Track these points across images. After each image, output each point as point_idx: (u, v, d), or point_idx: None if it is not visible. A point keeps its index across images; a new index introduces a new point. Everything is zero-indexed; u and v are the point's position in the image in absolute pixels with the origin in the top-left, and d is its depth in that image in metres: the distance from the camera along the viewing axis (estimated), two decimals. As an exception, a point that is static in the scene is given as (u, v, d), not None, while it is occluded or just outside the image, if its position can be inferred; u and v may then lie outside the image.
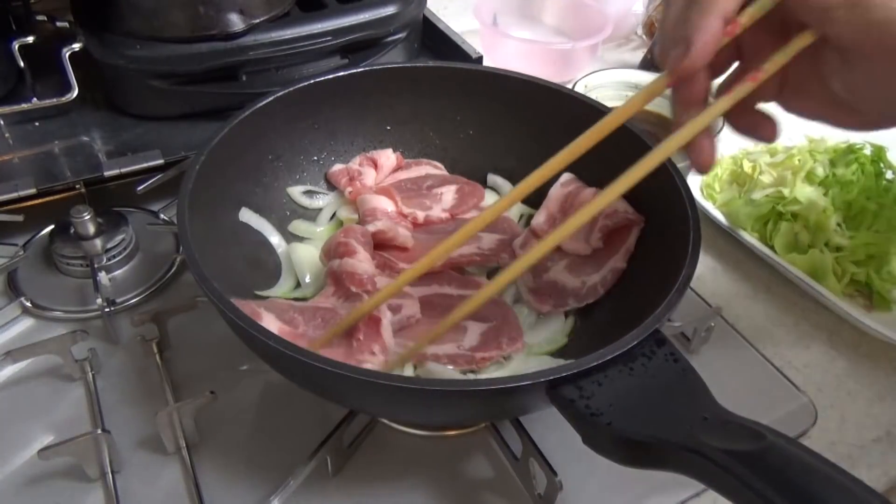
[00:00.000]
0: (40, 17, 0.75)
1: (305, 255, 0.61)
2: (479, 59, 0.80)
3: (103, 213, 0.64)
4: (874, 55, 0.39)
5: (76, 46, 0.68)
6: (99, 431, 0.48)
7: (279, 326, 0.50)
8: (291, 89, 0.61)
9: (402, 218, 0.64)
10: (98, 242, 0.62)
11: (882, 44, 0.38)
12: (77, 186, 0.66)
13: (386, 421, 0.54)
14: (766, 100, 0.47)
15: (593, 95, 0.76)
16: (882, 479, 0.55)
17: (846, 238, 0.68)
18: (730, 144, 0.80)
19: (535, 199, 0.66)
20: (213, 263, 0.48)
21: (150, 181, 0.66)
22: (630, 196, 0.59)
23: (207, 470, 0.50)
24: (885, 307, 0.66)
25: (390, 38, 0.78)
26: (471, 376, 0.52)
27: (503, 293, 0.60)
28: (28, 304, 0.61)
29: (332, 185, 0.67)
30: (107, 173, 0.65)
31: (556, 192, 0.64)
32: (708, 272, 0.71)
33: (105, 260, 0.63)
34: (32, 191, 0.63)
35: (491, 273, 0.63)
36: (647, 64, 0.95)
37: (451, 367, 0.52)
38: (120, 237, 0.64)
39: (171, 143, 0.69)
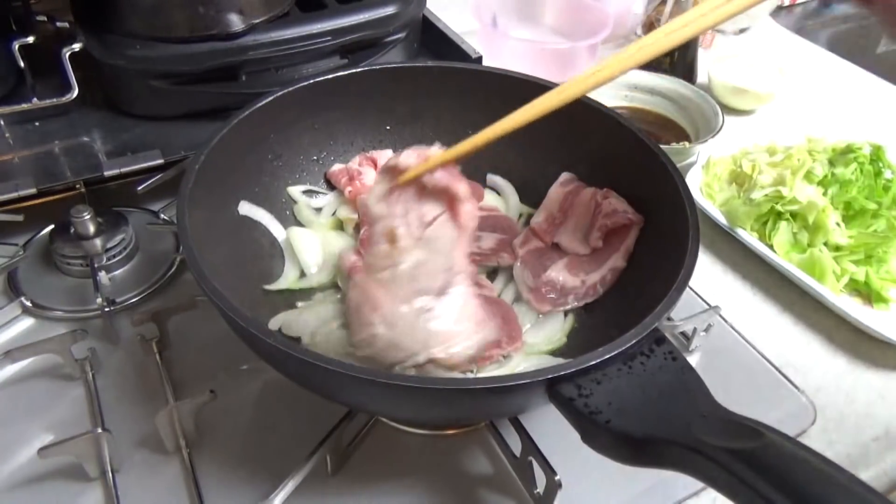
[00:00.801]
0: (40, 17, 0.75)
1: (307, 242, 0.61)
2: (479, 59, 0.80)
3: (103, 212, 0.64)
4: None
5: (76, 46, 0.68)
6: (99, 430, 0.48)
7: None
8: (291, 89, 0.61)
9: (402, 217, 0.64)
10: (98, 242, 0.62)
11: None
12: (77, 186, 0.66)
13: (385, 420, 0.54)
14: None
15: (593, 95, 0.76)
16: (882, 478, 0.55)
17: (845, 237, 0.68)
18: (730, 144, 0.80)
19: (535, 199, 0.66)
20: (214, 262, 0.48)
21: (150, 181, 0.66)
22: (630, 196, 0.60)
23: (207, 469, 0.50)
24: (884, 306, 0.66)
25: (390, 38, 0.78)
26: (470, 375, 0.53)
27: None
28: (28, 303, 0.61)
29: (331, 185, 0.67)
30: (107, 173, 0.65)
31: (555, 191, 0.64)
32: (707, 271, 0.71)
33: (105, 259, 0.63)
34: (32, 191, 0.63)
35: (491, 273, 0.63)
36: (646, 64, 0.95)
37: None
38: (120, 237, 0.64)
39: (171, 143, 0.69)
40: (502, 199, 0.68)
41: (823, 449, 0.47)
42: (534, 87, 0.65)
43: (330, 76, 0.63)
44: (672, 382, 0.40)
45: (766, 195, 0.70)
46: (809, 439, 0.56)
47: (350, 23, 0.73)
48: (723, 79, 0.93)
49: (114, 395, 0.55)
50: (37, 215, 0.65)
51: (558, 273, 0.60)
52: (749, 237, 0.70)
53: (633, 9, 1.08)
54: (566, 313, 0.59)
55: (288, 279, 0.59)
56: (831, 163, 0.73)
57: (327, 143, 0.67)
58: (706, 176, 0.77)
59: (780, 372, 0.61)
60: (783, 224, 0.69)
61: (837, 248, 0.68)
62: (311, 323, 0.56)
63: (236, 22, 0.68)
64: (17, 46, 0.69)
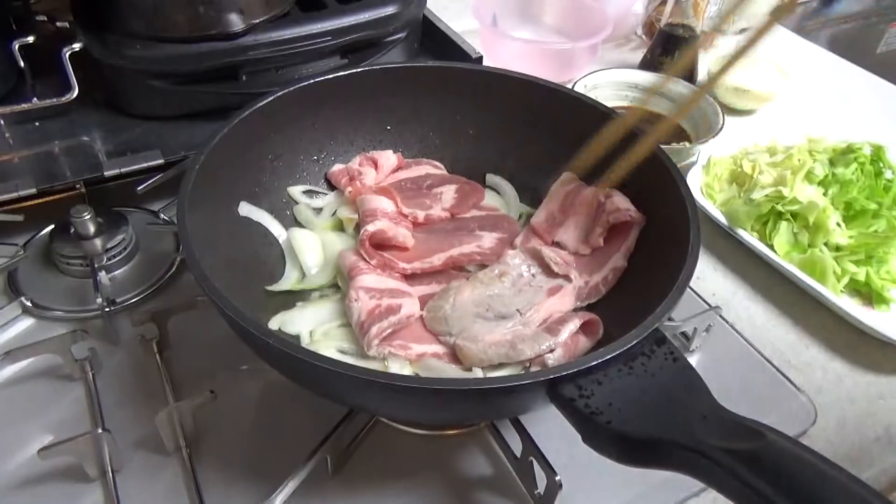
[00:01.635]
0: (40, 17, 0.75)
1: (308, 243, 0.61)
2: (479, 59, 0.80)
3: (103, 212, 0.64)
4: None
5: (76, 46, 0.68)
6: (99, 431, 0.48)
7: None
8: (291, 89, 0.61)
9: (402, 217, 0.64)
10: (98, 242, 0.62)
11: None
12: (77, 186, 0.66)
13: (385, 420, 0.54)
14: None
15: (593, 95, 0.77)
16: (882, 478, 0.55)
17: (845, 238, 0.68)
18: (730, 144, 0.80)
19: (534, 199, 0.66)
20: (214, 262, 0.48)
21: (150, 181, 0.66)
22: (630, 196, 0.60)
23: (207, 469, 0.50)
24: (885, 307, 0.66)
25: (390, 38, 0.78)
26: (471, 375, 0.52)
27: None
28: (28, 303, 0.61)
29: (332, 185, 0.67)
30: (107, 173, 0.65)
31: (556, 190, 0.64)
32: (707, 271, 0.71)
33: (105, 260, 0.63)
34: (32, 191, 0.63)
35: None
36: (646, 64, 0.95)
37: (451, 364, 0.52)
38: (120, 237, 0.64)
39: (171, 143, 0.69)
40: (502, 198, 0.68)
41: (824, 449, 0.47)
42: (534, 87, 0.65)
43: (330, 76, 0.63)
44: (673, 383, 0.40)
45: (767, 195, 0.70)
46: (810, 440, 0.56)
47: (350, 23, 0.73)
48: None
49: (114, 396, 0.55)
50: (37, 215, 0.65)
51: (559, 273, 0.59)
52: (749, 237, 0.70)
53: (634, 9, 1.08)
54: (566, 313, 0.59)
55: (290, 280, 0.59)
56: (832, 163, 0.73)
57: (327, 143, 0.67)
58: (707, 176, 0.77)
59: (780, 372, 0.61)
60: (783, 224, 0.69)
61: (838, 249, 0.68)
62: (311, 322, 0.56)
63: (236, 22, 0.68)
64: (17, 46, 0.69)
